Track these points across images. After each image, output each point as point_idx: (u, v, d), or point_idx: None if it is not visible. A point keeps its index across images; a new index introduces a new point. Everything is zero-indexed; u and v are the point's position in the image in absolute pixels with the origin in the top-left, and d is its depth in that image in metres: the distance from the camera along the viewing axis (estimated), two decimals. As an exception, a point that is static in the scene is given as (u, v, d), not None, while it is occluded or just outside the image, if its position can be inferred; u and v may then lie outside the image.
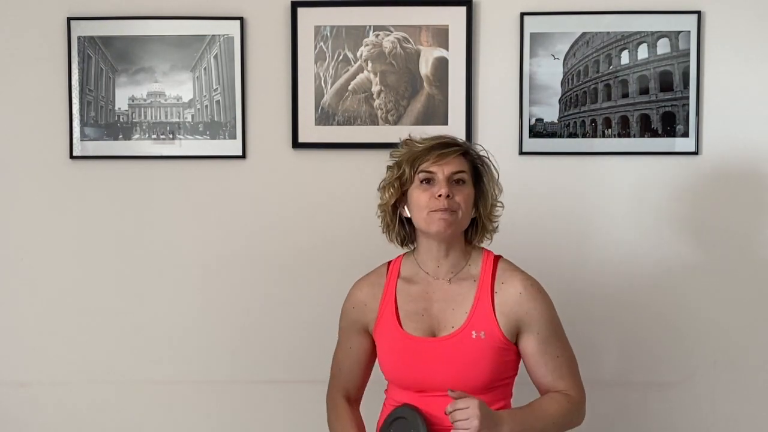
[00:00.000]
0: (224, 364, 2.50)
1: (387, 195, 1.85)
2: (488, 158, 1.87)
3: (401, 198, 1.85)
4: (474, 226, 1.87)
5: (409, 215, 1.85)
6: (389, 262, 1.94)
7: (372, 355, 1.93)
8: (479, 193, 1.84)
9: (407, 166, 1.80)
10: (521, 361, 1.87)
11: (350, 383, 1.95)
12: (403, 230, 1.89)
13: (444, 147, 1.81)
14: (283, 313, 2.49)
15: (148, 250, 2.50)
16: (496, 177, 1.87)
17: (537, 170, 2.44)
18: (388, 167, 1.87)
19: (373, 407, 1.96)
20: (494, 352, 1.78)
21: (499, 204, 1.87)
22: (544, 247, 2.40)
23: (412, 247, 1.92)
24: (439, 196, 1.76)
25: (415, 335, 1.81)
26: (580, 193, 2.46)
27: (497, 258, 1.88)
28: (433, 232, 1.79)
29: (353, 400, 1.96)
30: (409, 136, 1.88)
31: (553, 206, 2.46)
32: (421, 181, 1.80)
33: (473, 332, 1.78)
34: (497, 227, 1.90)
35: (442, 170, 1.78)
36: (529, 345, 1.81)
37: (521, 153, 2.44)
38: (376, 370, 1.97)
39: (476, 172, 1.85)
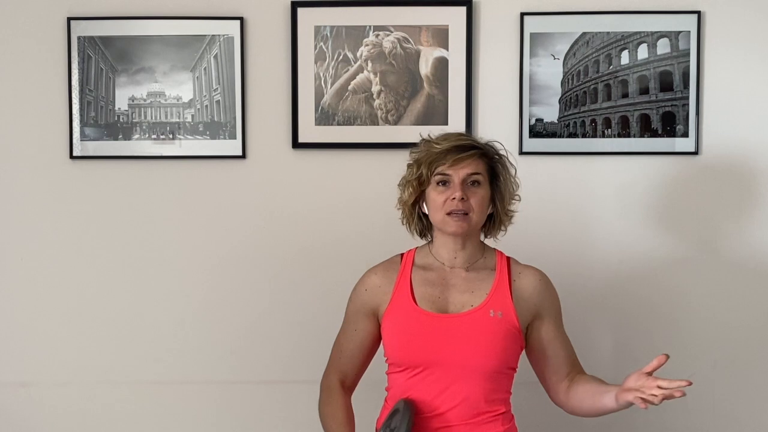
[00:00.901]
0: (224, 364, 2.50)
1: (407, 193, 1.91)
2: (506, 155, 1.92)
3: (420, 194, 1.90)
4: (491, 220, 1.93)
5: (427, 212, 1.90)
6: (402, 254, 1.96)
7: (375, 342, 1.95)
8: (495, 190, 1.89)
9: (425, 167, 1.85)
10: (530, 359, 1.93)
11: (349, 367, 1.96)
12: (421, 223, 1.95)
13: (461, 150, 1.84)
14: (283, 313, 2.49)
15: (148, 250, 2.50)
16: (514, 173, 1.92)
17: (537, 170, 2.44)
18: (408, 165, 1.92)
19: (373, 406, 1.96)
20: (507, 335, 1.83)
21: (516, 198, 1.93)
22: (544, 247, 2.39)
23: (430, 238, 1.96)
24: (453, 198, 1.82)
25: (430, 312, 1.85)
26: (580, 192, 2.46)
27: (509, 257, 1.94)
28: (449, 232, 1.86)
29: (347, 387, 1.97)
30: (429, 135, 1.92)
31: (553, 206, 2.46)
32: (438, 183, 1.85)
33: (491, 311, 1.83)
34: (512, 218, 1.94)
35: (457, 173, 1.83)
36: (548, 331, 1.89)
37: (521, 153, 2.44)
38: (377, 369, 1.97)
39: (493, 171, 1.90)
